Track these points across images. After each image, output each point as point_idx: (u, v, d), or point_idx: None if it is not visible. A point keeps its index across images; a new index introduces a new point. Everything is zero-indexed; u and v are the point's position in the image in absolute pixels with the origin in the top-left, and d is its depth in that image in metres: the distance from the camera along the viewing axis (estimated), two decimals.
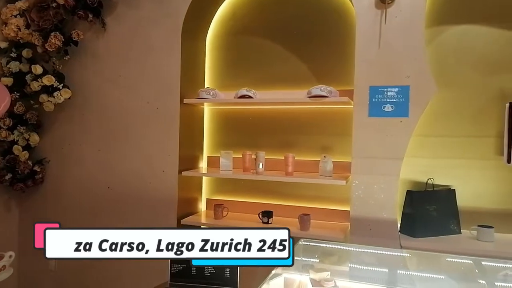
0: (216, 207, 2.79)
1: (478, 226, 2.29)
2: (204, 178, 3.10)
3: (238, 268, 1.38)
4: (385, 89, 2.34)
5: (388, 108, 2.33)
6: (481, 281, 1.37)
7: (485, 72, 2.43)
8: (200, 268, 1.42)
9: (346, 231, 2.48)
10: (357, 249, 1.69)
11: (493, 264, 1.54)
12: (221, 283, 1.41)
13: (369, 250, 1.63)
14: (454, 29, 2.49)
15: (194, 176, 2.90)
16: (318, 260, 1.54)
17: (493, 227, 2.26)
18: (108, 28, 2.94)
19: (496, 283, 1.37)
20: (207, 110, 3.10)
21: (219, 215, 2.76)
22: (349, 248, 1.74)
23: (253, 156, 2.68)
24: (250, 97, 2.66)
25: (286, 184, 2.82)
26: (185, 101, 2.77)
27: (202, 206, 3.09)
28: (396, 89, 2.32)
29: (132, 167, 2.88)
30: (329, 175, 2.53)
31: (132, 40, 2.88)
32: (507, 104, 2.21)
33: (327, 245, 1.64)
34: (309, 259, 1.51)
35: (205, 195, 3.10)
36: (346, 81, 2.63)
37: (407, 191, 2.41)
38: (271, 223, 2.66)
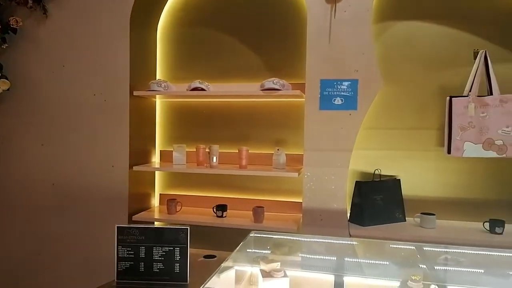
0: (169, 202, 2.73)
1: (421, 213, 2.42)
2: (157, 173, 3.03)
3: (188, 263, 1.37)
4: (335, 83, 2.39)
5: (338, 101, 2.39)
6: (422, 266, 1.44)
7: (428, 68, 2.56)
8: (149, 265, 1.39)
9: (298, 222, 2.53)
10: (308, 239, 1.73)
11: (434, 249, 1.63)
12: (171, 278, 1.38)
13: (319, 240, 1.67)
14: (399, 25, 2.60)
15: (146, 171, 2.82)
16: (269, 252, 1.55)
17: (434, 214, 2.39)
18: (50, 15, 2.77)
19: (435, 267, 1.45)
20: (159, 102, 3.02)
21: (173, 210, 2.72)
22: (300, 239, 1.78)
23: (207, 150, 2.65)
24: (203, 89, 2.63)
25: (240, 177, 2.83)
26: (135, 93, 2.68)
27: (155, 201, 3.02)
28: (346, 83, 2.38)
29: (78, 163, 2.75)
30: (282, 167, 2.56)
31: (77, 27, 2.73)
32: (447, 98, 2.34)
33: (279, 237, 1.66)
34: (261, 251, 1.52)
35: (158, 190, 3.03)
36: (298, 75, 2.67)
37: (356, 181, 2.50)
38: (225, 216, 2.66)
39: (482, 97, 2.26)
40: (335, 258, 1.49)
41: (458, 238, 2.22)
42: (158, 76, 3.00)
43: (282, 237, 1.69)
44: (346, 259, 1.51)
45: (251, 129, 2.84)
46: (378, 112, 2.60)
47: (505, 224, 2.25)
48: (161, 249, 1.40)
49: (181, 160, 2.70)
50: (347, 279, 1.28)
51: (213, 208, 2.69)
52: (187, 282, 1.40)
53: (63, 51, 2.76)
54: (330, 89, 2.40)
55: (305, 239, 1.74)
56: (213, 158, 2.60)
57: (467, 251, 1.56)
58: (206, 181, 2.91)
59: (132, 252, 1.40)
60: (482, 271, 1.41)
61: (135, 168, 2.65)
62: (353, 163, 2.46)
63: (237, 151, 2.62)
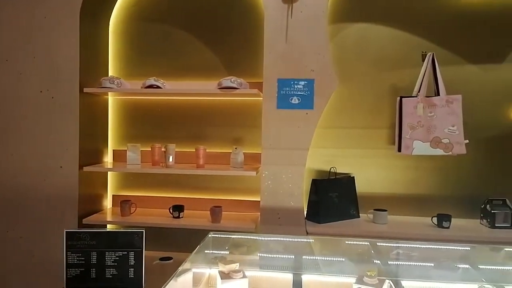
0: (123, 203, 2.63)
1: (374, 210, 2.51)
2: (110, 173, 2.91)
3: (143, 267, 1.31)
4: (292, 82, 2.41)
5: (295, 100, 2.41)
6: (376, 261, 1.48)
7: (380, 69, 2.65)
8: (101, 271, 1.32)
9: (256, 221, 2.53)
10: (266, 238, 1.73)
11: (387, 244, 1.69)
12: (125, 284, 1.33)
13: (277, 238, 1.68)
14: (353, 27, 2.67)
15: (98, 171, 2.70)
16: (228, 252, 1.53)
17: (386, 210, 2.49)
18: None
19: (389, 262, 1.50)
20: (112, 100, 2.90)
21: (127, 212, 2.62)
22: (258, 238, 1.77)
23: (163, 149, 2.58)
24: (158, 87, 2.55)
25: (198, 177, 2.78)
26: (85, 90, 2.55)
27: (108, 203, 2.90)
28: (302, 82, 2.41)
29: (23, 164, 2.57)
30: (240, 166, 2.54)
31: (21, 19, 2.55)
32: (398, 98, 2.43)
33: (237, 236, 1.65)
34: (219, 252, 1.50)
35: (110, 191, 2.91)
36: (256, 73, 2.67)
37: (312, 179, 2.54)
38: (182, 217, 2.60)
39: (430, 98, 2.37)
40: (293, 257, 1.50)
41: (409, 233, 2.32)
42: (110, 73, 2.87)
43: (241, 236, 1.68)
44: (304, 257, 1.52)
45: (209, 128, 2.80)
46: (334, 111, 2.66)
47: (452, 219, 2.38)
48: (114, 254, 1.34)
49: (136, 159, 2.61)
50: (305, 277, 1.29)
51: (169, 209, 2.62)
52: (142, 287, 1.34)
53: (5, 44, 2.57)
54: (287, 89, 2.42)
55: (264, 238, 1.74)
56: (169, 157, 2.53)
57: (417, 246, 1.63)
58: (162, 181, 2.84)
59: (82, 258, 1.33)
60: (432, 264, 1.48)
61: (85, 168, 2.52)
62: (310, 161, 2.49)
63: (194, 150, 2.57)
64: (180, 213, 2.60)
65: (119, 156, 2.85)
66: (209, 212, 2.55)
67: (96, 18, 2.71)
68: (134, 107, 2.87)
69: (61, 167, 2.53)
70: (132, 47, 2.86)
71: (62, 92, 2.53)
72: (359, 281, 1.22)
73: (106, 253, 1.34)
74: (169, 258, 1.65)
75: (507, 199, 2.40)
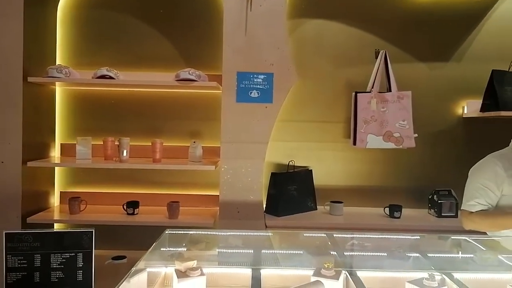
0: (71, 200, 2.50)
1: (331, 202, 2.56)
2: (57, 169, 2.75)
3: (93, 269, 1.24)
4: (251, 76, 2.40)
5: (254, 94, 2.40)
6: (332, 252, 1.51)
7: (336, 64, 2.69)
8: (45, 274, 1.23)
9: (215, 216, 2.50)
10: (224, 233, 1.71)
11: (342, 236, 1.73)
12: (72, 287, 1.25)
13: (236, 233, 1.66)
14: (311, 23, 2.69)
15: (44, 166, 2.54)
16: (185, 249, 1.49)
17: (342, 202, 2.55)
18: None
19: (345, 253, 1.54)
20: (60, 91, 2.73)
21: (76, 209, 2.49)
22: (216, 233, 1.75)
23: (116, 143, 2.48)
24: (111, 77, 2.43)
25: (154, 172, 2.70)
26: (29, 79, 2.37)
27: (55, 200, 2.74)
28: (262, 76, 2.39)
29: None
30: (199, 160, 2.50)
31: None
32: (353, 93, 2.49)
33: (195, 232, 1.61)
34: (176, 249, 1.46)
35: (58, 187, 2.76)
36: (215, 66, 2.62)
37: (271, 173, 2.55)
38: (137, 213, 2.52)
39: (383, 93, 2.45)
40: (252, 251, 1.49)
41: (363, 223, 2.41)
42: (58, 61, 2.70)
43: (199, 232, 1.65)
44: (263, 251, 1.52)
45: (166, 121, 2.72)
46: (292, 106, 2.67)
47: (402, 209, 2.49)
48: (61, 256, 1.25)
49: (86, 154, 2.48)
50: (264, 272, 1.29)
51: (123, 205, 2.53)
52: None
53: None
54: (246, 82, 2.39)
55: (222, 233, 1.72)
56: (123, 151, 2.43)
57: (371, 236, 1.68)
58: (116, 177, 2.73)
59: (24, 261, 1.23)
60: (385, 254, 1.54)
61: (29, 163, 2.36)
62: (269, 155, 2.49)
63: (150, 144, 2.49)
64: (135, 210, 2.51)
65: (67, 150, 2.70)
66: (166, 207, 2.49)
67: (43, 3, 2.54)
68: (84, 98, 2.72)
69: (2, 162, 2.35)
70: (83, 35, 2.71)
71: (3, 82, 2.34)
72: (317, 273, 1.23)
73: (52, 255, 1.25)
74: (123, 257, 1.58)
75: (452, 190, 2.54)
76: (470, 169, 1.80)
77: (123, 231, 2.53)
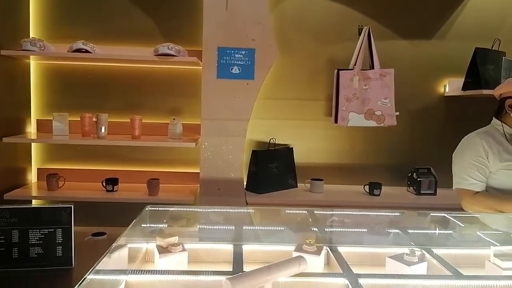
0: (49, 177, 2.44)
1: (311, 179, 2.58)
2: (34, 145, 2.67)
3: (73, 244, 1.22)
4: (232, 51, 2.35)
5: (235, 70, 2.36)
6: (314, 229, 1.52)
7: (319, 41, 2.66)
8: (24, 250, 1.20)
9: (196, 193, 2.49)
10: (205, 210, 1.70)
11: (323, 212, 1.74)
12: (52, 263, 1.23)
13: (217, 210, 1.65)
14: None
15: (19, 142, 2.46)
16: (166, 226, 1.48)
17: (323, 180, 2.57)
18: None
19: (326, 229, 1.55)
20: (34, 65, 2.63)
21: (54, 186, 2.43)
22: (197, 210, 1.74)
23: (94, 119, 2.41)
24: (87, 51, 2.35)
25: (133, 149, 2.65)
26: (2, 52, 2.27)
27: (32, 177, 2.67)
28: (243, 52, 2.35)
29: None
30: (179, 138, 2.47)
31: None
32: (335, 71, 2.48)
33: (176, 209, 1.60)
34: (156, 225, 1.44)
35: (35, 164, 2.68)
36: (195, 41, 2.55)
37: (252, 151, 2.54)
38: (116, 190, 2.48)
39: (365, 71, 2.45)
40: (233, 228, 1.49)
41: (343, 201, 2.44)
42: (32, 34, 2.58)
43: (180, 209, 1.63)
44: (244, 227, 1.52)
45: (145, 97, 2.65)
46: (273, 83, 2.65)
47: (382, 187, 2.53)
48: (39, 231, 1.23)
49: (63, 130, 2.41)
50: (246, 248, 1.29)
51: (102, 182, 2.48)
52: (72, 266, 1.25)
53: None
54: (227, 58, 2.35)
55: (203, 210, 1.71)
56: (101, 128, 2.37)
57: (351, 213, 1.70)
58: (94, 154, 2.67)
59: (2, 237, 1.20)
60: (365, 230, 1.56)
61: (5, 139, 2.29)
62: (250, 132, 2.48)
63: (129, 121, 2.44)
64: (114, 187, 2.48)
65: (44, 126, 2.61)
66: (145, 185, 2.46)
67: None
68: (60, 73, 2.63)
69: None
70: (57, 7, 2.58)
71: None
72: (299, 249, 1.24)
73: (30, 231, 1.23)
74: (103, 234, 1.56)
75: (431, 168, 2.59)
76: (456, 149, 1.80)
77: (103, 208, 2.50)
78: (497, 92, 1.78)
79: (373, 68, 2.45)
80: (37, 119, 2.65)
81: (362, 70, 2.44)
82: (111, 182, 2.47)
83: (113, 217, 2.59)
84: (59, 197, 2.38)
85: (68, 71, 2.62)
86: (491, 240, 1.45)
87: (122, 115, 2.60)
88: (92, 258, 1.03)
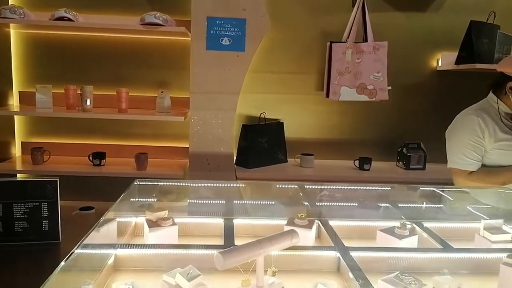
0: (34, 151, 2.38)
1: (301, 154, 2.56)
2: (17, 118, 2.59)
3: (59, 218, 1.19)
4: (222, 21, 2.27)
5: (225, 41, 2.29)
6: (305, 203, 1.52)
7: (312, 12, 2.59)
8: (9, 224, 1.17)
9: (185, 168, 2.46)
10: (195, 184, 1.68)
11: (314, 187, 1.74)
12: (39, 238, 1.20)
13: (207, 184, 1.63)
14: None
15: (2, 115, 2.38)
16: (155, 200, 1.46)
17: (313, 155, 2.56)
18: None
19: (316, 203, 1.55)
20: (15, 34, 2.51)
21: (39, 160, 2.38)
22: (187, 184, 1.72)
23: (79, 91, 2.34)
24: (69, 19, 2.24)
25: (120, 122, 2.59)
26: None
27: (16, 151, 2.60)
28: (234, 22, 2.27)
29: None
30: (167, 111, 2.41)
31: None
32: (328, 43, 2.43)
33: (165, 183, 1.57)
34: (146, 199, 1.42)
35: (19, 138, 2.61)
36: (183, 10, 2.46)
37: (243, 125, 2.50)
38: (103, 165, 2.44)
39: (358, 44, 2.40)
40: (224, 202, 1.48)
41: (333, 176, 2.44)
42: (11, 1, 2.45)
43: (169, 183, 1.60)
44: (235, 202, 1.50)
45: (131, 69, 2.57)
46: (264, 55, 2.58)
47: (372, 162, 2.53)
48: (24, 205, 1.19)
49: (46, 102, 2.34)
50: (237, 222, 1.28)
51: (88, 156, 2.43)
52: (59, 240, 1.23)
53: None
54: (217, 28, 2.27)
55: (193, 184, 1.69)
56: (86, 100, 2.30)
57: (342, 187, 1.70)
58: (80, 127, 2.60)
59: None
60: (356, 204, 1.56)
61: None
62: (240, 106, 2.43)
63: (116, 93, 2.37)
64: (101, 161, 2.43)
65: (27, 98, 2.52)
66: (133, 159, 2.42)
67: None
68: (42, 43, 2.52)
69: None
70: None
71: None
72: (290, 223, 1.23)
73: (14, 205, 1.19)
74: (90, 208, 1.53)
75: (421, 143, 2.59)
76: (449, 128, 1.76)
77: (90, 183, 2.46)
78: (501, 68, 1.67)
79: (366, 40, 2.40)
80: (19, 91, 2.56)
81: (355, 43, 2.39)
82: (98, 156, 2.42)
83: (100, 191, 2.55)
84: (45, 171, 2.33)
85: (50, 41, 2.51)
86: (480, 214, 1.47)
87: (108, 88, 2.52)
88: (80, 232, 1.01)
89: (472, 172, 1.67)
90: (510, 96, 1.61)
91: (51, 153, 2.45)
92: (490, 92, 1.71)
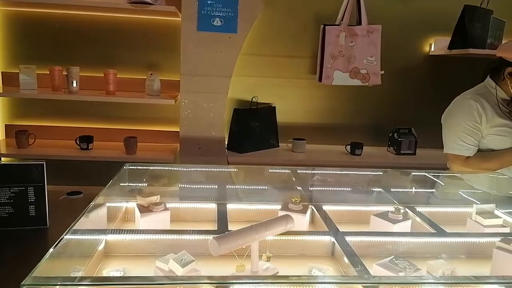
0: (18, 134, 2.31)
1: (293, 139, 2.54)
2: (0, 100, 2.50)
3: (47, 203, 1.15)
4: (214, 1, 2.20)
5: (217, 22, 2.23)
6: (298, 188, 1.50)
7: None
8: None
9: (175, 152, 2.42)
10: (187, 169, 1.64)
11: (307, 171, 1.72)
12: (25, 223, 1.16)
13: (199, 169, 1.60)
14: None
15: None
16: (146, 184, 1.42)
17: (305, 140, 2.54)
18: None
19: (310, 188, 1.54)
20: None
21: (24, 143, 2.31)
22: (178, 169, 1.69)
23: (64, 73, 2.26)
24: None
25: (108, 105, 2.52)
26: None
27: (0, 133, 2.52)
28: (225, 2, 2.21)
29: None
30: (157, 94, 2.36)
31: None
32: (322, 26, 2.38)
33: (156, 168, 1.53)
34: (136, 184, 1.38)
35: (2, 120, 2.53)
36: None
37: (234, 109, 2.46)
38: (91, 149, 2.38)
39: (352, 27, 2.36)
40: (216, 187, 1.45)
41: (324, 160, 2.43)
42: None
43: (160, 168, 1.57)
44: (227, 186, 1.48)
45: (119, 50, 2.50)
46: (256, 38, 2.53)
47: (363, 147, 2.53)
48: (9, 190, 1.14)
49: (31, 84, 2.26)
50: (230, 207, 1.25)
51: (75, 140, 2.37)
52: (47, 225, 1.19)
53: None
54: (208, 8, 2.21)
55: (184, 169, 1.66)
56: (72, 82, 2.23)
57: (335, 172, 1.69)
58: (66, 110, 2.53)
59: None
60: (350, 189, 1.56)
61: None
62: (231, 90, 2.39)
63: (103, 75, 2.30)
64: (89, 145, 2.37)
65: (10, 79, 2.44)
66: (122, 143, 2.37)
67: None
68: (26, 21, 2.42)
69: None
70: None
71: None
72: (284, 207, 1.21)
73: None
74: (78, 193, 1.49)
75: (412, 128, 2.59)
76: (446, 112, 1.73)
77: (78, 167, 2.40)
78: (502, 53, 1.63)
79: (360, 24, 2.37)
80: (2, 72, 2.46)
81: (349, 26, 2.36)
82: (85, 140, 2.36)
83: (88, 176, 2.50)
84: (30, 155, 2.26)
85: (35, 20, 2.42)
86: (471, 199, 1.48)
87: (95, 69, 2.45)
88: (68, 217, 0.97)
89: (468, 157, 1.66)
90: (508, 82, 1.60)
91: (37, 137, 2.38)
92: (488, 77, 1.69)
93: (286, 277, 0.82)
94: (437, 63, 2.68)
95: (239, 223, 1.11)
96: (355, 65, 2.38)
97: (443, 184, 1.64)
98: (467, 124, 1.63)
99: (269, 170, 1.75)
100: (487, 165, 1.65)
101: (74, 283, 0.72)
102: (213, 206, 1.27)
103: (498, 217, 1.22)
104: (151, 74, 2.36)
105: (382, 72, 2.39)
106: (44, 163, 1.18)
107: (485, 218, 1.20)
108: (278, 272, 0.97)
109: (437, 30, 2.62)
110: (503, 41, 2.43)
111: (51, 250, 0.78)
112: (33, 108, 2.52)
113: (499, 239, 1.01)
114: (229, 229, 1.10)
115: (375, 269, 0.94)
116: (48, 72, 2.28)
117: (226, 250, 0.88)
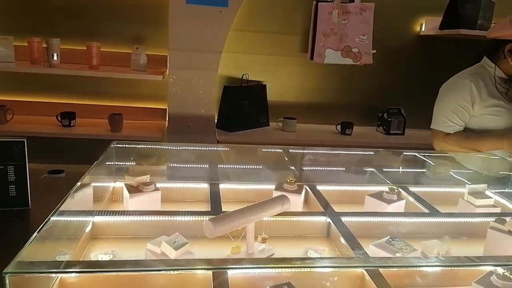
0: None
1: (284, 118, 2.50)
2: None
3: (28, 183, 1.09)
4: None
5: None
6: (291, 167, 1.47)
7: None
8: None
9: (163, 130, 2.35)
10: (177, 148, 1.59)
11: (298, 151, 1.69)
12: (6, 204, 1.09)
13: (190, 148, 1.55)
14: None
15: None
16: (134, 163, 1.37)
17: (296, 119, 2.50)
18: None
19: (303, 168, 1.51)
20: None
21: (1, 119, 2.22)
22: (168, 147, 1.63)
23: (44, 45, 2.14)
24: None
25: (91, 80, 2.41)
26: None
27: None
28: None
29: None
30: (143, 69, 2.27)
31: None
32: (314, 3, 2.31)
33: (145, 146, 1.47)
34: (124, 163, 1.32)
35: None
36: None
37: (224, 86, 2.40)
38: (74, 125, 2.29)
39: (345, 4, 2.30)
40: (208, 166, 1.41)
41: (315, 140, 2.41)
42: None
43: (148, 146, 1.51)
44: (219, 166, 1.44)
45: (103, 21, 2.38)
46: (247, 14, 2.44)
47: (354, 126, 2.51)
48: None
49: (8, 56, 2.14)
50: (223, 186, 1.22)
51: (57, 116, 2.28)
52: (29, 206, 1.13)
53: None
54: None
55: (174, 148, 1.60)
56: (52, 55, 2.13)
57: (327, 152, 1.66)
58: (46, 84, 2.42)
59: None
60: (343, 169, 1.53)
61: None
62: (221, 67, 2.31)
63: (86, 48, 2.19)
64: (71, 121, 2.29)
65: None
66: (106, 120, 2.28)
67: None
68: None
69: None
70: None
71: None
72: (279, 187, 1.18)
73: None
74: (61, 172, 1.42)
75: (402, 108, 2.58)
76: (442, 87, 1.72)
77: (59, 144, 2.31)
78: (493, 34, 1.63)
79: (353, 1, 2.31)
80: None
81: (342, 3, 2.29)
82: (67, 116, 2.27)
83: (71, 154, 2.41)
84: (8, 132, 2.16)
85: None
86: (462, 179, 1.48)
87: (77, 42, 2.33)
88: (50, 197, 0.92)
89: (448, 134, 1.67)
90: (509, 59, 1.59)
91: (15, 112, 2.28)
92: (484, 57, 1.69)
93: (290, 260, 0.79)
94: (427, 44, 2.66)
95: (232, 203, 1.07)
96: (347, 43, 2.33)
97: (434, 164, 1.63)
98: (456, 103, 1.64)
99: (261, 149, 1.71)
100: (466, 145, 1.65)
101: (60, 269, 0.67)
102: (205, 186, 1.23)
103: (489, 197, 1.23)
104: (137, 48, 2.26)
105: (374, 51, 2.35)
106: (25, 140, 1.11)
107: (477, 198, 1.20)
108: (273, 254, 0.95)
109: (429, 10, 2.58)
110: (493, 22, 2.41)
111: (35, 234, 0.73)
112: (11, 82, 2.39)
113: (493, 219, 1.01)
114: (223, 210, 1.06)
115: (372, 250, 0.92)
116: (27, 44, 2.17)
117: (222, 232, 0.85)
